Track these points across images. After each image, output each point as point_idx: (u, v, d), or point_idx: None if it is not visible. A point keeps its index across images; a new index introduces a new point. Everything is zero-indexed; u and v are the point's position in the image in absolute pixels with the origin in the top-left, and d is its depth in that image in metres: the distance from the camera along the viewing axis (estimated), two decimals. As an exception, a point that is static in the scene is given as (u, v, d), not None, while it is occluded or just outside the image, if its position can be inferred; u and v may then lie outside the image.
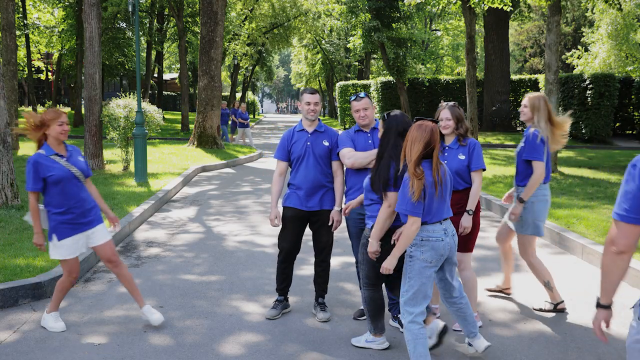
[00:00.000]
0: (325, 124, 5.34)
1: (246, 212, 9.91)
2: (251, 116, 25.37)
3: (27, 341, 4.67)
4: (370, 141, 4.90)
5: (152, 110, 14.00)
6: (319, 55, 51.13)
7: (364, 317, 5.15)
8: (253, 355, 4.45)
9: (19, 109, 20.86)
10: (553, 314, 5.30)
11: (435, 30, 50.38)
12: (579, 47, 34.40)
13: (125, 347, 4.56)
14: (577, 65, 32.51)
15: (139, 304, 4.98)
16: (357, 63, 47.02)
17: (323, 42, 48.54)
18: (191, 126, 27.19)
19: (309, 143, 5.09)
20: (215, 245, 7.64)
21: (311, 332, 4.86)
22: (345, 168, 5.08)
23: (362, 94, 4.99)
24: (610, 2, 14.98)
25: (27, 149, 18.45)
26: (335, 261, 6.50)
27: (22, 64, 32.83)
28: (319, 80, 58.53)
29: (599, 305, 2.85)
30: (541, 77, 24.67)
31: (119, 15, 29.78)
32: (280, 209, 5.22)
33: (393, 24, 27.04)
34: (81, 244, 4.84)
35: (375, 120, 5.19)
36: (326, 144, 5.10)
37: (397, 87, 27.54)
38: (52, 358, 4.39)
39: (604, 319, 2.81)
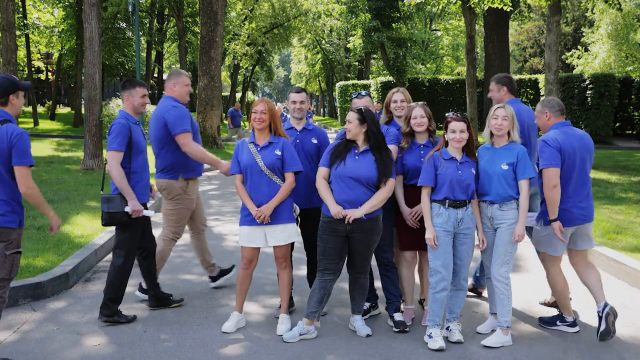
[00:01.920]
0: (313, 123, 5.39)
1: (246, 212, 9.90)
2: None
3: (27, 341, 4.67)
4: None
5: (151, 110, 14.01)
6: (319, 55, 51.10)
7: (369, 315, 5.19)
8: (253, 355, 4.45)
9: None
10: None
11: (435, 30, 50.37)
12: (579, 47, 34.37)
13: (125, 347, 4.56)
14: (577, 65, 32.48)
15: (281, 309, 4.98)
16: (357, 63, 47.00)
17: (323, 42, 48.51)
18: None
19: (298, 140, 5.14)
20: (215, 245, 7.62)
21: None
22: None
23: (364, 93, 5.15)
24: (610, 2, 14.98)
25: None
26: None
27: (22, 64, 32.73)
28: (319, 80, 58.51)
29: (552, 221, 4.73)
30: (541, 77, 24.67)
31: (119, 15, 29.78)
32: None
33: (393, 24, 27.07)
34: (259, 237, 4.81)
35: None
36: (315, 141, 5.19)
37: (397, 87, 27.56)
38: (52, 358, 4.38)
39: (559, 226, 4.71)
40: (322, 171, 4.73)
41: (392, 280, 5.03)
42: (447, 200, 4.63)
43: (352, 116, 4.66)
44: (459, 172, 4.62)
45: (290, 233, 4.84)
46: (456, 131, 4.62)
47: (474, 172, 4.69)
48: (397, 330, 4.89)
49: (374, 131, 4.65)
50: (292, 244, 5.36)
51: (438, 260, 4.64)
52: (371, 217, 4.61)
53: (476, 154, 4.85)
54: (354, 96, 5.16)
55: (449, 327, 4.73)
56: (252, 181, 4.81)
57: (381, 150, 4.66)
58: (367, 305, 5.18)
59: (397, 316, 4.99)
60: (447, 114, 4.78)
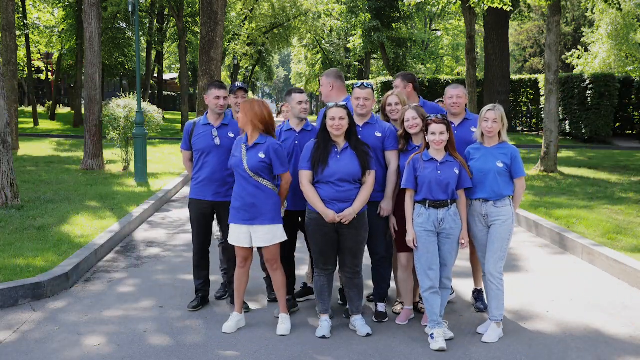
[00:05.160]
0: (311, 123, 5.36)
1: (246, 212, 9.89)
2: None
3: (27, 341, 4.67)
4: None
5: (152, 110, 14.00)
6: (319, 55, 51.08)
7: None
8: (253, 355, 4.45)
9: (19, 109, 20.84)
10: (553, 314, 5.30)
11: (435, 30, 50.37)
12: (579, 47, 34.35)
13: (125, 347, 4.56)
14: (577, 65, 32.47)
15: (280, 309, 4.97)
16: (357, 63, 46.99)
17: (323, 42, 48.51)
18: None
19: (297, 142, 5.11)
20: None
21: (311, 332, 4.86)
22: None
23: (367, 84, 5.08)
24: (610, 2, 14.97)
25: (27, 149, 18.45)
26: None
27: (22, 64, 32.68)
28: (319, 80, 58.37)
29: None
30: (541, 77, 24.67)
31: (119, 15, 29.73)
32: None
33: (393, 24, 27.07)
34: (244, 236, 4.80)
35: (372, 115, 5.18)
36: None
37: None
38: (52, 358, 4.38)
39: None
40: (306, 175, 4.72)
41: (381, 274, 5.14)
42: (427, 201, 4.69)
43: (341, 112, 4.66)
44: (438, 172, 4.67)
45: (274, 234, 4.78)
46: (436, 133, 4.66)
47: (456, 171, 4.70)
48: (375, 320, 5.03)
49: (353, 128, 4.75)
50: (294, 245, 5.36)
51: (421, 260, 4.71)
52: (359, 213, 4.69)
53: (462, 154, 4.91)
54: (356, 85, 5.07)
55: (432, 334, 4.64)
56: (239, 181, 4.82)
57: (358, 144, 4.73)
58: (383, 307, 5.20)
59: (380, 307, 5.12)
60: (427, 116, 4.81)
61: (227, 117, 5.37)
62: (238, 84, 5.86)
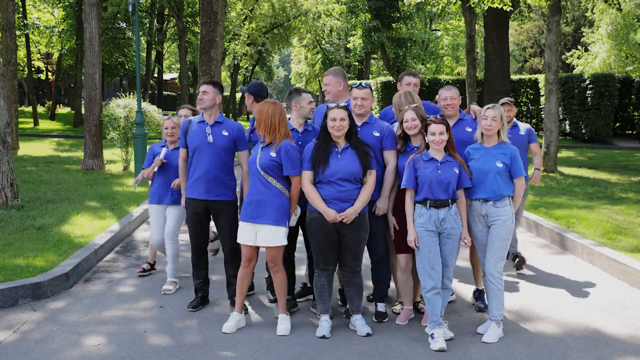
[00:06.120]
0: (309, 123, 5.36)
1: (246, 212, 9.88)
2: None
3: (27, 341, 4.67)
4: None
5: (152, 110, 14.00)
6: (319, 55, 51.06)
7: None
8: (253, 355, 4.45)
9: (19, 109, 20.84)
10: (553, 314, 5.30)
11: (435, 30, 50.36)
12: (579, 47, 34.34)
13: (125, 347, 4.56)
14: (577, 65, 32.47)
15: (279, 309, 4.96)
16: (357, 63, 46.99)
17: (323, 42, 48.49)
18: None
19: (300, 142, 5.11)
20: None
21: (311, 332, 4.86)
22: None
23: (364, 84, 5.10)
24: (610, 2, 14.97)
25: (27, 149, 18.45)
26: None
27: (22, 64, 32.68)
28: (319, 80, 58.44)
29: None
30: (541, 77, 24.67)
31: (119, 15, 29.74)
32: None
33: (393, 24, 27.06)
34: (250, 235, 4.82)
35: (370, 114, 5.17)
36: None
37: (397, 87, 27.52)
38: (52, 358, 4.38)
39: None
40: (307, 175, 4.75)
41: (381, 274, 5.13)
42: (428, 201, 4.69)
43: (342, 113, 4.67)
44: (439, 172, 4.67)
45: (277, 236, 4.78)
46: (435, 133, 4.67)
47: (456, 171, 4.72)
48: (375, 320, 5.04)
49: (353, 128, 4.76)
50: (294, 245, 5.36)
51: (423, 260, 4.70)
52: (360, 213, 4.71)
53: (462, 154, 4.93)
54: (354, 86, 5.08)
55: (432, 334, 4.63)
56: (251, 178, 4.88)
57: (359, 144, 4.75)
58: (381, 308, 5.20)
59: (380, 307, 5.12)
60: (427, 117, 4.81)
61: (221, 114, 5.37)
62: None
